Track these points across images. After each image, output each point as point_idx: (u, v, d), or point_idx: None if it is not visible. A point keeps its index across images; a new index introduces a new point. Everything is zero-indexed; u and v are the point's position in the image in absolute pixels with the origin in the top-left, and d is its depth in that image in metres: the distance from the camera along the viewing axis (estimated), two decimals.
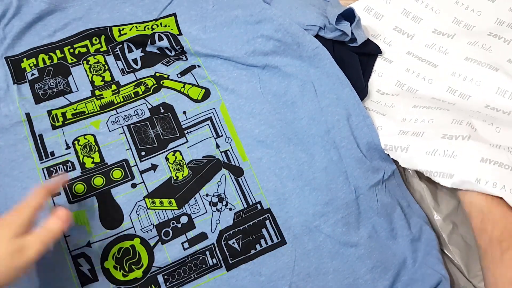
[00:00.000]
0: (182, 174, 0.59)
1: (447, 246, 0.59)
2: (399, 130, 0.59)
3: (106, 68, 0.64)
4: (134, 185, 0.58)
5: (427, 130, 0.57)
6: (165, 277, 0.55)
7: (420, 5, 0.71)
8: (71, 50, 0.65)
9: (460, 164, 0.53)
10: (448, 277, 0.57)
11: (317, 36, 0.65)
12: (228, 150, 0.61)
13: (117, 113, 0.62)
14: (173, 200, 0.58)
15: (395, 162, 0.60)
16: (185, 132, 0.61)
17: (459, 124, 0.56)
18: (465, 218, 0.61)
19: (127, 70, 0.65)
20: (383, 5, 0.72)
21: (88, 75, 0.64)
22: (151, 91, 0.63)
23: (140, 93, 0.63)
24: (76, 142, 0.60)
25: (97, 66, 0.64)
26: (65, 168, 0.58)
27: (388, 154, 0.59)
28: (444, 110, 0.59)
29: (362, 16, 0.70)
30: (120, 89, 0.63)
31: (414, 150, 0.56)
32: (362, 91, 0.63)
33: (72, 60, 0.64)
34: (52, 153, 0.59)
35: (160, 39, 0.65)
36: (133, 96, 0.63)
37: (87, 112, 0.62)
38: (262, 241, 0.57)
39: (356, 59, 0.65)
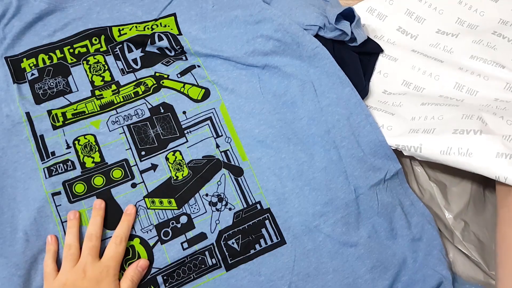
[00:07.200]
0: (182, 174, 0.59)
1: (461, 244, 0.59)
2: (410, 129, 0.58)
3: (106, 68, 0.65)
4: (134, 185, 0.58)
5: (438, 126, 0.56)
6: (165, 277, 0.55)
7: (423, 5, 0.71)
8: (71, 50, 0.65)
9: (477, 163, 0.52)
10: (450, 278, 0.56)
11: (316, 36, 0.65)
12: (228, 150, 0.61)
13: (117, 113, 0.62)
14: (172, 200, 0.58)
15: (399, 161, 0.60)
16: (185, 132, 0.61)
17: (470, 119, 0.55)
18: (476, 216, 0.61)
19: (127, 70, 0.65)
20: (386, 5, 0.71)
21: (88, 75, 0.64)
22: (151, 91, 0.63)
23: (140, 93, 0.63)
24: (76, 142, 0.60)
25: (97, 66, 0.65)
26: (65, 167, 0.58)
27: (401, 151, 0.58)
28: (453, 106, 0.59)
29: (365, 17, 0.69)
30: (120, 89, 0.63)
31: (427, 149, 0.55)
32: (362, 91, 0.63)
33: (72, 60, 0.65)
34: (53, 153, 0.59)
35: (160, 39, 0.65)
36: (133, 96, 0.63)
37: (87, 112, 0.62)
38: (262, 241, 0.57)
39: (357, 58, 0.65)
